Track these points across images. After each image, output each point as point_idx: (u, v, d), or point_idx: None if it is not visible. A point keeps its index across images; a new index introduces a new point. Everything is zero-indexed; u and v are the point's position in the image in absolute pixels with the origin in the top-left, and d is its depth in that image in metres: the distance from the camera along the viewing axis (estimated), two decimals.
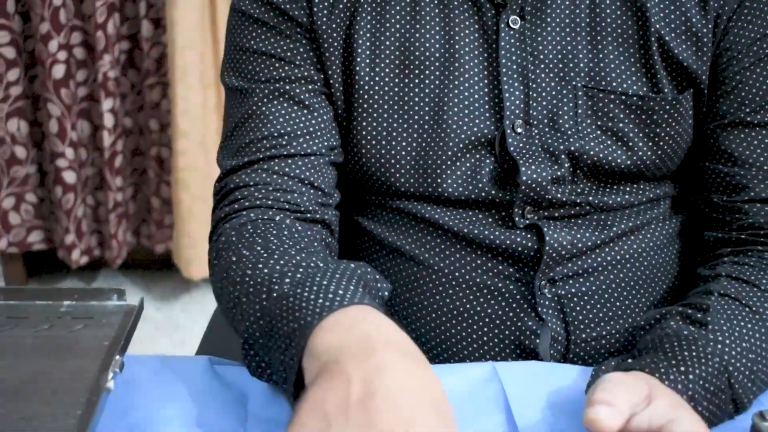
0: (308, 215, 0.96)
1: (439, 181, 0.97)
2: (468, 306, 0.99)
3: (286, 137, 0.97)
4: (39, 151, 2.45)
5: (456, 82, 0.97)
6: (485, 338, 0.99)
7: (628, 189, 1.00)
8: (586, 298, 0.99)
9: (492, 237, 0.98)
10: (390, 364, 0.64)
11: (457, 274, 0.99)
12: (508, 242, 0.97)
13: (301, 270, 0.79)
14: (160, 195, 2.53)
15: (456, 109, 0.97)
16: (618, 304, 1.00)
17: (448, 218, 0.99)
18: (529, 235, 0.98)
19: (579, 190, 0.98)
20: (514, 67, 0.96)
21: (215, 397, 0.84)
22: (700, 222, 1.04)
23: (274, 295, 0.78)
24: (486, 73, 0.97)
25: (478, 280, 0.98)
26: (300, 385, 0.73)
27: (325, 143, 0.99)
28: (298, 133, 0.98)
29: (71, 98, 2.35)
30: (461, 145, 0.97)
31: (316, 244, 0.91)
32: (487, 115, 0.97)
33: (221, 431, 0.80)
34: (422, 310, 1.00)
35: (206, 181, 2.44)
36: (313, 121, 0.99)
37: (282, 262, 0.82)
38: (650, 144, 0.98)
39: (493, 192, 0.97)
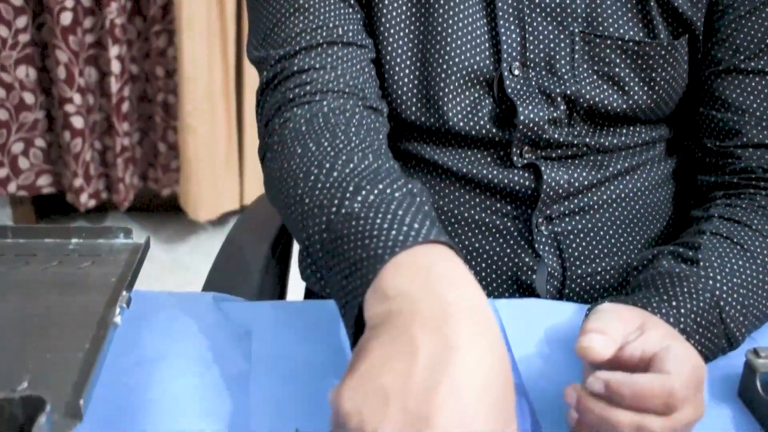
0: (371, 102, 0.94)
1: (441, 112, 0.98)
2: (467, 243, 1.01)
3: (341, 28, 0.95)
4: (47, 97, 2.46)
5: (459, 17, 0.98)
6: (483, 274, 1.00)
7: (623, 131, 1.01)
8: (581, 235, 1.01)
9: (491, 176, 0.99)
10: (464, 342, 0.58)
11: (456, 212, 1.01)
12: (506, 181, 0.99)
13: (370, 189, 0.73)
14: (166, 140, 2.54)
15: (459, 42, 0.98)
16: (613, 241, 1.02)
17: (449, 158, 1.01)
18: (526, 174, 0.99)
19: (576, 132, 0.99)
20: (510, 10, 0.97)
21: (220, 333, 0.86)
22: (693, 166, 1.06)
23: (343, 211, 0.72)
24: (485, 12, 0.98)
25: (477, 218, 1.00)
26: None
27: (371, 42, 0.98)
28: (352, 27, 0.96)
29: (79, 45, 2.35)
30: (462, 81, 0.98)
31: (381, 137, 0.88)
32: (487, 53, 0.98)
33: (226, 366, 0.82)
34: None
35: (212, 126, 2.45)
36: (360, 20, 0.98)
37: (351, 165, 0.78)
38: (646, 89, 0.99)
39: (493, 131, 0.98)
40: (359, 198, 0.73)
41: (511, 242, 1.00)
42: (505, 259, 1.00)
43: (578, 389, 0.68)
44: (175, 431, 0.74)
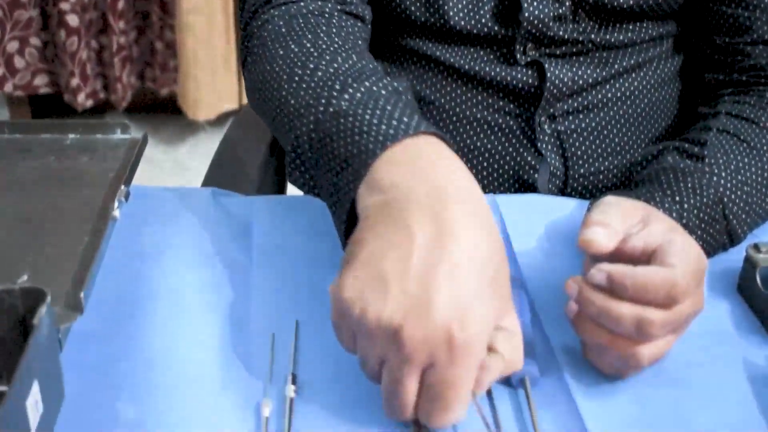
0: (352, 8, 0.92)
1: (442, 9, 0.96)
2: (469, 141, 1.00)
3: None
4: None
5: None
6: (485, 173, 1.00)
7: (630, 27, 0.99)
8: (585, 134, 1.00)
9: (494, 73, 0.98)
10: (459, 227, 0.60)
11: (458, 110, 1.00)
12: (509, 78, 0.97)
13: (357, 86, 0.74)
14: (163, 38, 2.51)
15: None
16: (617, 140, 1.01)
17: (451, 55, 0.99)
18: (530, 72, 0.97)
19: (581, 29, 0.97)
20: None
21: (220, 227, 0.86)
22: (701, 64, 1.04)
23: (331, 110, 0.72)
24: None
25: (479, 116, 0.99)
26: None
27: None
28: None
29: None
30: None
31: (361, 43, 0.88)
32: None
33: (226, 260, 0.82)
34: None
35: (210, 25, 2.42)
36: None
37: (335, 65, 0.78)
38: None
39: (496, 27, 0.96)
40: (346, 96, 0.73)
41: (513, 141, 0.99)
42: (507, 158, 0.99)
43: (579, 281, 0.67)
44: (176, 324, 0.75)
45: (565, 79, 0.97)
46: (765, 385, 0.71)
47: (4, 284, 0.63)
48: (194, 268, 0.81)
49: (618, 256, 0.69)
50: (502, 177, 1.00)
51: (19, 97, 2.59)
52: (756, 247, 0.80)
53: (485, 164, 1.00)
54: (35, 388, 0.59)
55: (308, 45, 0.82)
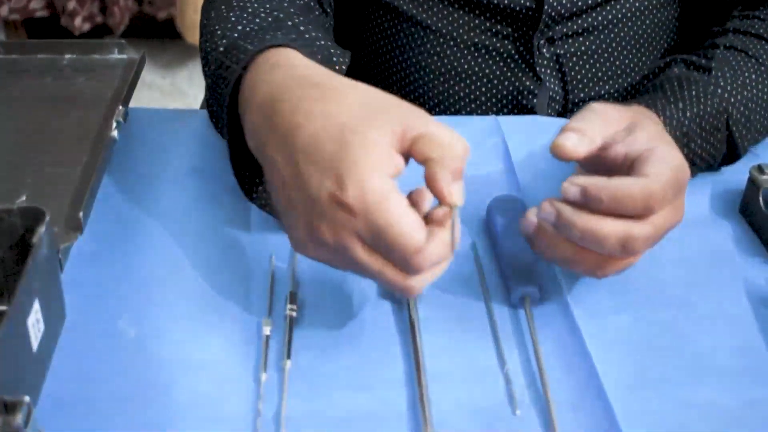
0: None
1: None
2: (466, 66, 0.98)
3: None
4: None
5: None
6: (483, 98, 0.99)
7: None
8: (585, 57, 0.98)
9: None
10: (303, 120, 0.62)
11: (455, 34, 0.98)
12: (507, 1, 0.95)
13: (255, 22, 0.78)
14: None
15: None
16: (617, 63, 0.99)
17: None
18: None
19: None
20: None
21: (218, 149, 0.85)
22: None
23: (221, 49, 0.77)
24: None
25: (476, 40, 0.97)
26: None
27: None
28: None
29: None
30: None
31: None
32: None
33: (224, 179, 0.81)
34: (421, 71, 1.00)
35: None
36: None
37: (245, 15, 0.81)
38: None
39: None
40: (239, 28, 0.78)
41: (512, 65, 0.98)
42: (505, 83, 0.98)
43: (556, 204, 0.65)
44: (175, 245, 0.74)
45: (564, 1, 0.95)
46: (765, 306, 0.71)
47: (2, 204, 0.63)
48: (193, 189, 0.81)
49: (601, 164, 0.67)
50: (500, 102, 0.98)
51: (14, 21, 2.56)
52: (759, 168, 0.79)
53: (483, 89, 0.98)
54: (36, 306, 0.59)
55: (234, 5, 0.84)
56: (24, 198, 0.73)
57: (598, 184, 0.63)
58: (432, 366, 0.65)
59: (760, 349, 0.67)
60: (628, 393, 0.63)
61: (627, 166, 0.66)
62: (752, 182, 0.79)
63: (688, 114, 0.78)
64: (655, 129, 0.70)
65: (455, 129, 0.89)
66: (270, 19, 0.80)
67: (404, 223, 0.58)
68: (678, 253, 0.76)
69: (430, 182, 0.61)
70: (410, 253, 0.58)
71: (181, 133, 0.87)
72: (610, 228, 0.63)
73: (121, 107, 0.81)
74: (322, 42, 0.79)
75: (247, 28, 0.78)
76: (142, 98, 0.82)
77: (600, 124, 0.68)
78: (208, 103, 0.83)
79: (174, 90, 2.51)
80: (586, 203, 0.63)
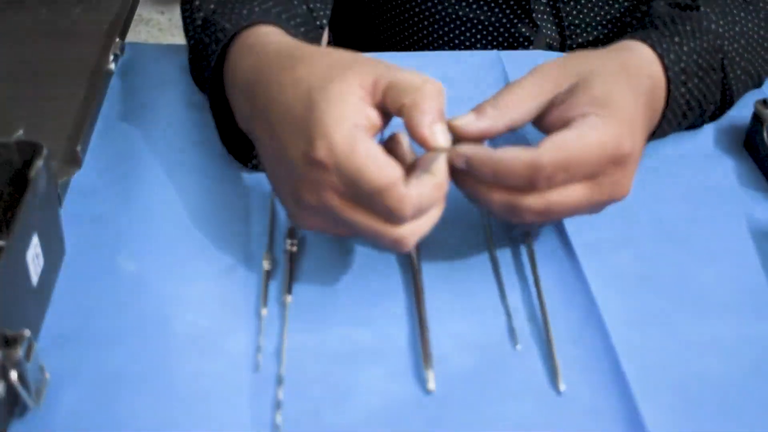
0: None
1: None
2: (461, 13, 0.97)
3: None
4: None
5: None
6: (479, 45, 0.97)
7: None
8: (582, 1, 0.96)
9: None
10: (276, 93, 0.62)
11: None
12: None
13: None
14: None
15: None
16: (616, 5, 0.97)
17: None
18: None
19: None
20: None
21: None
22: None
23: (198, 23, 0.77)
24: None
25: None
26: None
27: None
28: None
29: None
30: None
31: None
32: None
33: None
34: (415, 17, 0.99)
35: None
36: None
37: None
38: None
39: None
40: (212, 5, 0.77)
41: (507, 11, 0.96)
42: (501, 29, 0.96)
43: (466, 153, 0.61)
44: (174, 179, 0.74)
45: None
46: (767, 241, 0.71)
47: None
48: (191, 123, 0.80)
49: (545, 126, 0.64)
50: (496, 49, 0.97)
51: None
52: (765, 102, 0.78)
53: (478, 36, 0.97)
54: (35, 240, 0.59)
55: None
56: (21, 132, 0.72)
57: (482, 157, 0.60)
58: (432, 301, 0.65)
59: (762, 284, 0.67)
60: (628, 328, 0.63)
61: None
62: (757, 117, 0.78)
63: (685, 48, 0.74)
64: (604, 90, 0.63)
65: (456, 64, 0.89)
66: None
67: (373, 164, 0.57)
68: (680, 188, 0.75)
69: (410, 129, 0.59)
70: (385, 191, 0.56)
71: (179, 70, 0.86)
72: (495, 194, 0.61)
73: (117, 40, 0.80)
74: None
75: None
76: (141, 34, 0.81)
77: (536, 86, 0.64)
78: (191, 68, 0.82)
79: (172, 26, 2.49)
80: (472, 173, 0.61)
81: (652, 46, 0.72)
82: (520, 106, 0.64)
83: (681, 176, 0.77)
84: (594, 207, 0.63)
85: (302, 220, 0.62)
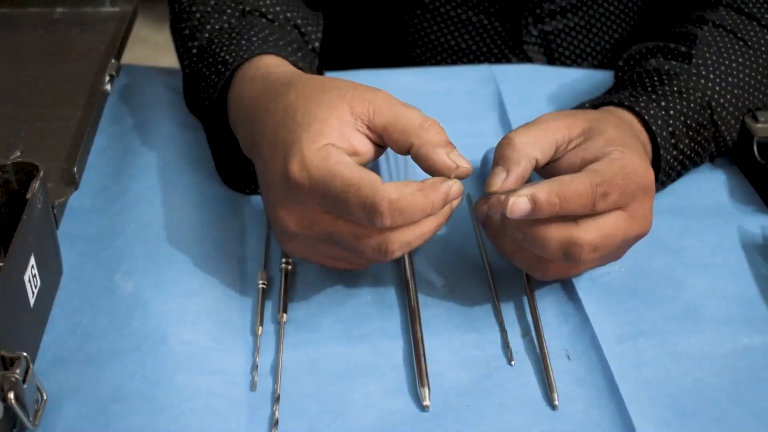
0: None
1: None
2: (453, 43, 0.98)
3: None
4: None
5: None
6: None
7: None
8: (573, 33, 0.97)
9: None
10: (270, 119, 0.63)
11: (443, 10, 0.97)
12: None
13: (223, 19, 0.78)
14: None
15: None
16: (606, 37, 0.98)
17: None
18: None
19: None
20: None
21: None
22: None
23: (194, 51, 0.78)
24: None
25: (464, 17, 0.96)
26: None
27: None
28: None
29: None
30: None
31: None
32: None
33: None
34: (411, 45, 0.99)
35: None
36: None
37: (209, 10, 0.80)
38: None
39: None
40: (207, 26, 0.78)
41: (499, 42, 0.97)
42: (492, 60, 0.97)
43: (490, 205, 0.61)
44: (170, 197, 0.75)
45: None
46: (759, 254, 0.71)
47: None
48: (187, 143, 0.80)
49: (557, 170, 0.64)
50: None
51: None
52: (753, 116, 0.79)
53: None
54: (32, 261, 0.59)
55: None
56: (18, 153, 0.72)
57: (546, 187, 0.59)
58: (427, 317, 0.65)
59: (754, 297, 0.68)
60: (621, 342, 0.63)
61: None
62: (746, 130, 0.78)
63: (671, 112, 0.74)
64: (617, 134, 0.65)
65: (449, 79, 0.90)
66: (237, 14, 0.78)
67: (345, 166, 0.58)
68: (672, 201, 0.76)
69: (431, 167, 0.60)
70: (359, 183, 0.57)
71: (175, 89, 0.87)
72: (553, 232, 0.60)
73: (114, 61, 0.80)
74: (291, 24, 0.80)
75: (217, 26, 0.78)
76: (137, 53, 0.82)
77: (547, 136, 0.64)
78: (186, 96, 0.82)
79: (168, 44, 2.49)
80: (535, 213, 0.60)
81: (639, 114, 0.72)
82: (542, 151, 0.63)
83: (672, 190, 0.77)
84: (626, 243, 0.64)
85: (285, 245, 0.63)
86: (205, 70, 0.75)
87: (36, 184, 0.61)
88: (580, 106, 0.77)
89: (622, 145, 0.63)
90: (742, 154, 0.80)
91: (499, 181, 0.61)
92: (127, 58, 0.85)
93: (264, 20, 0.78)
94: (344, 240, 0.60)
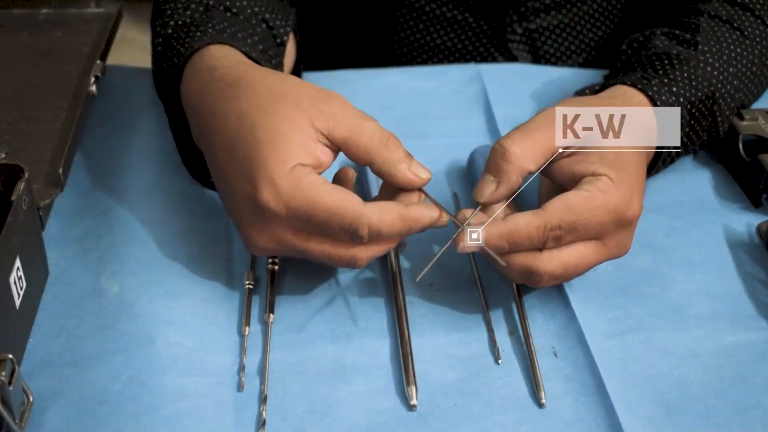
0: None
1: None
2: (439, 41, 0.98)
3: None
4: None
5: None
6: None
7: None
8: (557, 31, 0.97)
9: None
10: (220, 125, 0.63)
11: (428, 8, 0.97)
12: None
13: (187, 14, 0.78)
14: None
15: None
16: (590, 35, 0.98)
17: None
18: None
19: None
20: None
21: None
22: None
23: (159, 40, 0.78)
24: None
25: (449, 15, 0.96)
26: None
27: None
28: None
29: None
30: None
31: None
32: None
33: None
34: (397, 43, 1.00)
35: None
36: None
37: (178, 5, 0.80)
38: None
39: None
40: (171, 23, 0.78)
41: (484, 41, 0.97)
42: (478, 59, 0.97)
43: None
44: (156, 199, 0.74)
45: None
46: (744, 251, 0.72)
47: None
48: (173, 146, 0.80)
49: (549, 173, 0.65)
50: None
51: None
52: (739, 113, 0.79)
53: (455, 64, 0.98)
54: (17, 263, 0.59)
55: None
56: (3, 155, 0.72)
57: (496, 232, 0.60)
58: (414, 316, 0.65)
59: (740, 294, 0.68)
60: (608, 340, 0.64)
61: (574, 184, 0.63)
62: (731, 128, 0.79)
63: (681, 99, 0.74)
64: (613, 153, 0.64)
65: (436, 78, 0.90)
66: (201, 8, 0.78)
67: (323, 192, 0.59)
68: (658, 199, 0.76)
69: (395, 183, 0.63)
70: (342, 211, 0.59)
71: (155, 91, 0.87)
72: (516, 258, 0.61)
73: (99, 62, 0.80)
74: (258, 17, 0.79)
75: (180, 21, 0.77)
76: (121, 55, 0.82)
77: (536, 153, 0.63)
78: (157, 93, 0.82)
79: None
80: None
81: (652, 97, 0.72)
82: (533, 157, 0.63)
83: (658, 187, 0.77)
84: (598, 265, 0.64)
85: (254, 252, 0.65)
86: (163, 63, 0.75)
87: (21, 186, 0.60)
88: (580, 93, 0.78)
89: (615, 167, 0.63)
90: (727, 152, 0.80)
91: (489, 192, 0.63)
92: (113, 59, 0.85)
93: (228, 14, 0.78)
94: (315, 255, 0.62)
